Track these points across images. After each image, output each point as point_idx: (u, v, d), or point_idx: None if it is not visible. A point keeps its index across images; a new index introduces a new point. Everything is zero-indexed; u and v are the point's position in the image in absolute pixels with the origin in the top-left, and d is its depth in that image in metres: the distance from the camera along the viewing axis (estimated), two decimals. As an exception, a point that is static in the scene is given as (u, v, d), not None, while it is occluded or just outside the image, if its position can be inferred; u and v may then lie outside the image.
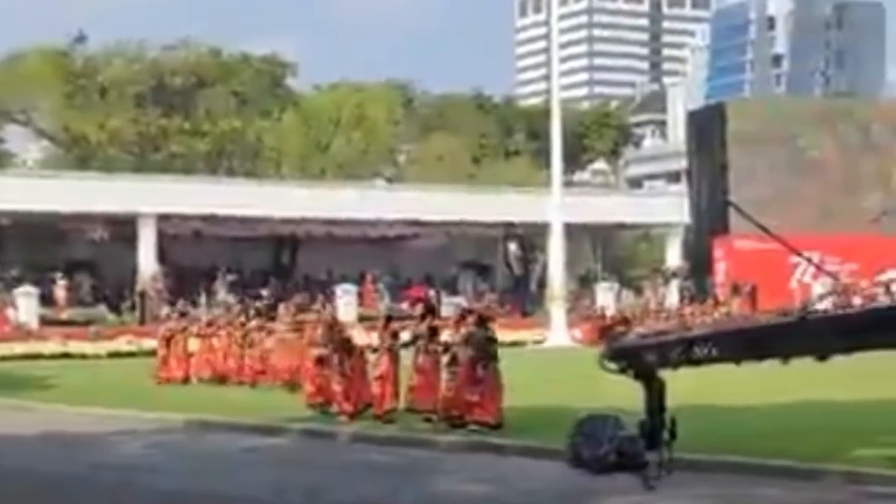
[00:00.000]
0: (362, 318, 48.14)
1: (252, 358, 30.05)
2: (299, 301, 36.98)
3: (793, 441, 17.65)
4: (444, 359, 20.93)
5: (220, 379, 30.76)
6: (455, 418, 20.09)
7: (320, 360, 23.01)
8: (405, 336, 22.28)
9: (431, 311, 22.90)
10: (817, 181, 61.90)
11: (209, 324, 32.88)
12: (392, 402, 21.62)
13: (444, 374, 20.66)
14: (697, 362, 11.10)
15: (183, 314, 33.92)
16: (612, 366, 11.99)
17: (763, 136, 62.62)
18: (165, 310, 39.44)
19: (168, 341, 32.71)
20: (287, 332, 29.49)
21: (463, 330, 20.64)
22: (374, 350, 22.34)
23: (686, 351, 11.23)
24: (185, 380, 31.51)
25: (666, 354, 11.53)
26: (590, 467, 12.01)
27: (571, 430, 12.18)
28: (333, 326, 23.87)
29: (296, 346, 28.50)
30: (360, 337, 25.55)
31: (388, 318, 22.98)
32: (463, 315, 21.56)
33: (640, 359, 11.85)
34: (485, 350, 20.07)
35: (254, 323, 31.09)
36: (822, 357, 9.64)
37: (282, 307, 31.80)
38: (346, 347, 22.73)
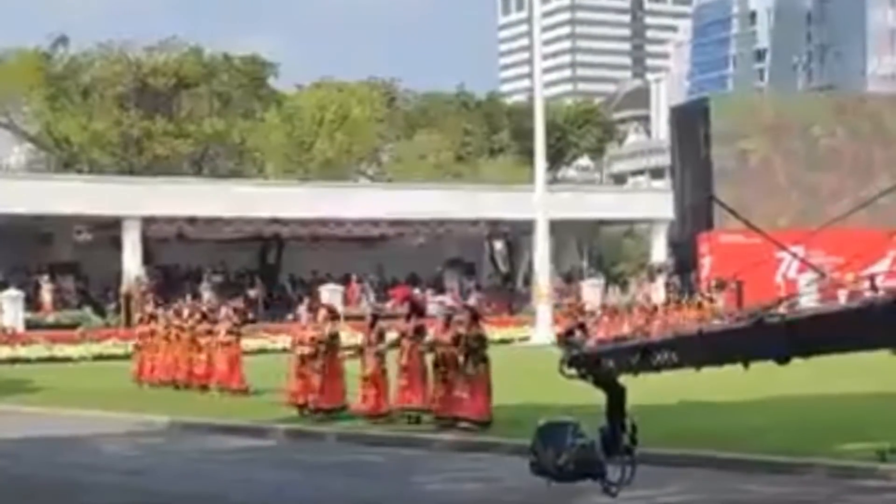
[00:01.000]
0: (347, 318, 48.11)
1: (199, 362, 29.49)
2: (239, 305, 36.52)
3: (773, 436, 17.72)
4: (430, 358, 20.91)
5: (173, 383, 30.23)
6: (445, 418, 20.11)
7: (304, 359, 22.65)
8: (391, 336, 22.17)
9: (417, 309, 22.79)
10: (802, 174, 62.03)
11: (165, 326, 32.08)
12: (381, 402, 21.49)
13: (432, 374, 20.65)
14: (657, 368, 11.04)
15: (152, 317, 33.48)
16: (572, 371, 11.98)
17: (745, 130, 62.73)
18: (138, 314, 38.99)
19: (140, 345, 32.44)
20: (226, 335, 28.89)
21: (452, 330, 20.56)
22: (360, 350, 22.14)
23: (645, 357, 11.18)
24: (157, 382, 30.93)
25: (625, 360, 11.49)
26: (550, 475, 11.99)
27: (532, 438, 12.18)
28: (333, 317, 23.42)
29: (233, 351, 28.43)
30: (347, 336, 25.54)
31: (375, 318, 22.80)
32: (450, 316, 21.47)
33: (599, 365, 11.83)
34: (476, 348, 20.08)
35: (201, 327, 30.26)
36: (781, 362, 9.62)
37: (224, 310, 31.16)
38: (331, 344, 22.51)
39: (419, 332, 21.44)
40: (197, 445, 20.84)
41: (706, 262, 62.10)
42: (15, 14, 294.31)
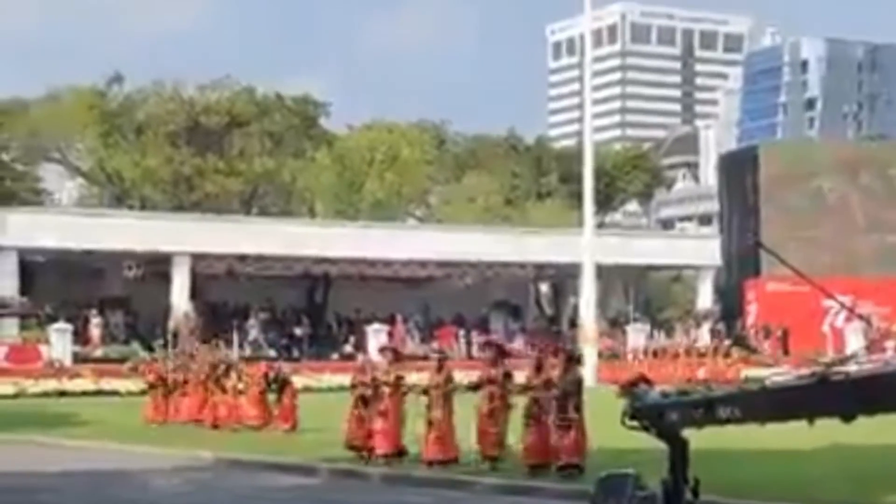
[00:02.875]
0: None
1: (224, 402, 29.56)
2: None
3: (831, 486, 17.57)
4: (520, 402, 20.14)
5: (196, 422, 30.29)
6: (536, 465, 19.40)
7: (363, 400, 21.96)
8: (458, 377, 21.57)
9: (504, 354, 21.80)
10: (844, 224, 61.86)
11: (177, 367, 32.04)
12: (447, 448, 20.66)
13: (523, 419, 19.79)
14: (721, 422, 11.13)
15: (191, 356, 33.56)
16: (634, 424, 12.02)
17: (796, 179, 62.63)
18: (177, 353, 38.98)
19: (163, 381, 32.29)
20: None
21: (544, 373, 19.95)
22: (425, 392, 21.28)
23: (709, 411, 11.25)
24: (165, 421, 30.85)
25: (688, 414, 11.54)
26: None
27: (593, 489, 12.22)
28: (399, 359, 22.84)
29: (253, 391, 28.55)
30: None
31: (442, 360, 22.01)
32: (541, 359, 20.80)
33: (662, 418, 11.87)
34: (575, 391, 19.47)
35: (222, 367, 30.31)
36: (847, 419, 9.67)
37: (249, 349, 31.25)
38: (396, 386, 21.61)
39: (508, 377, 20.58)
40: (243, 482, 20.91)
41: (752, 310, 61.95)
42: (70, 52, 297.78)
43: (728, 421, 11.08)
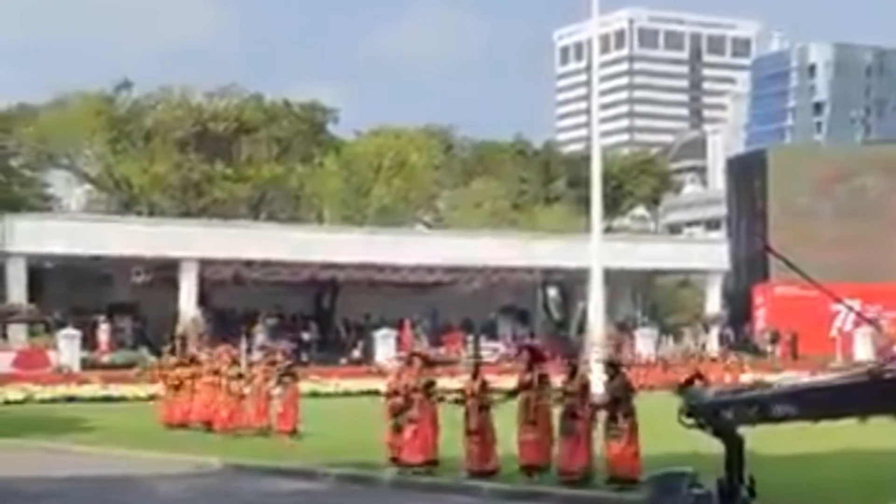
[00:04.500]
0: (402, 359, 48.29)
1: (227, 405, 29.51)
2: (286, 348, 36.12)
3: (833, 491, 17.51)
4: (557, 410, 19.61)
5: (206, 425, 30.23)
6: (577, 474, 18.83)
7: (397, 409, 21.15)
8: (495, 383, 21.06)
9: (539, 358, 20.86)
10: (858, 226, 61.79)
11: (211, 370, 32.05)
12: (487, 457, 20.02)
13: (560, 427, 19.26)
14: (775, 420, 11.18)
15: (192, 360, 33.46)
16: (690, 422, 12.05)
17: (804, 183, 62.62)
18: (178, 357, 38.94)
19: (178, 386, 32.30)
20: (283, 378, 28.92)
21: (579, 379, 19.50)
22: (460, 400, 20.75)
23: (763, 409, 11.30)
24: (186, 425, 30.96)
25: (743, 412, 11.59)
26: None
27: (647, 487, 12.22)
28: (428, 364, 22.15)
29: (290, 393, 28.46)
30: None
31: (477, 367, 21.40)
32: (575, 364, 20.14)
33: (717, 416, 11.90)
34: (624, 397, 18.80)
35: (234, 370, 30.29)
36: None
37: (258, 354, 31.16)
38: (428, 392, 21.00)
39: (545, 381, 20.05)
40: (248, 488, 20.89)
41: (761, 314, 61.93)
42: (78, 59, 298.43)
43: (783, 419, 11.14)
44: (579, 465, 18.87)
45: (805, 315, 56.32)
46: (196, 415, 30.43)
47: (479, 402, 20.24)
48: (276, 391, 28.17)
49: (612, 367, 19.49)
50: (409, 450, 20.72)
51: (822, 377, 10.69)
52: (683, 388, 12.28)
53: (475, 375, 20.80)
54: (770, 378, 32.68)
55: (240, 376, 29.48)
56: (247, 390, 28.99)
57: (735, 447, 12.00)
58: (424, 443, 20.68)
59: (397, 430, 21.00)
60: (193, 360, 32.93)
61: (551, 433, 19.65)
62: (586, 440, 19.00)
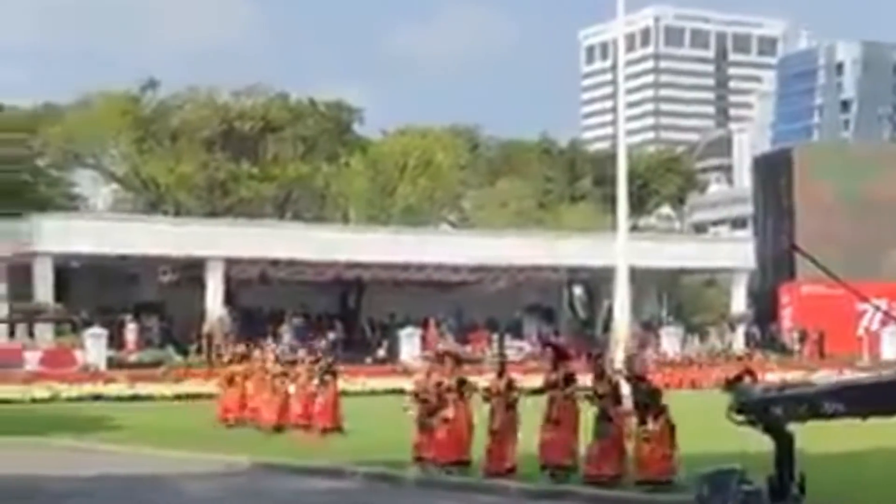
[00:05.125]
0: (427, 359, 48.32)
1: (273, 402, 29.75)
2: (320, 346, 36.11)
3: (864, 490, 17.35)
4: (581, 407, 19.38)
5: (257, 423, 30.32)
6: (602, 476, 18.61)
7: (428, 409, 20.91)
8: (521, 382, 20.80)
9: (563, 356, 20.69)
10: (885, 225, 61.52)
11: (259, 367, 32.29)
12: (507, 457, 19.83)
13: (594, 428, 18.98)
14: (825, 417, 11.19)
15: (245, 357, 33.68)
16: (740, 419, 12.05)
17: (831, 181, 62.36)
18: (226, 355, 39.28)
19: (229, 382, 32.64)
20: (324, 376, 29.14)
21: (608, 381, 19.16)
22: (487, 399, 20.33)
23: (812, 406, 11.32)
24: (242, 422, 31.12)
25: (793, 409, 11.60)
26: None
27: (697, 484, 12.21)
28: (460, 362, 22.01)
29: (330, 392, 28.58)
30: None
31: (503, 366, 21.12)
32: (602, 366, 19.75)
33: (767, 413, 11.90)
34: (652, 402, 18.48)
35: (278, 368, 30.53)
36: None
37: (301, 352, 31.42)
38: (460, 391, 20.67)
39: (569, 380, 19.78)
40: (277, 487, 20.91)
41: (787, 313, 61.72)
42: (104, 58, 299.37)
43: (832, 416, 11.14)
44: (611, 467, 18.67)
45: (832, 314, 56.12)
46: (249, 412, 30.69)
47: (505, 400, 20.06)
48: (319, 389, 28.40)
49: (633, 379, 19.08)
50: (441, 449, 20.54)
51: (870, 375, 10.68)
52: (732, 385, 12.26)
53: (501, 374, 20.64)
54: (793, 377, 32.58)
55: (284, 374, 29.72)
56: (291, 388, 29.20)
57: (785, 444, 11.98)
58: (458, 442, 20.52)
59: (426, 429, 20.84)
60: (245, 358, 33.14)
61: (577, 433, 19.52)
62: (619, 443, 18.77)
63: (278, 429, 28.67)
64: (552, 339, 40.88)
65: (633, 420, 18.70)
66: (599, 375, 19.45)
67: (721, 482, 12.16)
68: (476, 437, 20.66)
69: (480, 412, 20.79)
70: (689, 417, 19.81)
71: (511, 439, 19.92)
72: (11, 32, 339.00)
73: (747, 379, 12.43)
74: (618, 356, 51.10)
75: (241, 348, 34.33)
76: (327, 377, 28.55)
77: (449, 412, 20.57)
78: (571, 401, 19.59)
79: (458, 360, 22.17)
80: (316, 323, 57.99)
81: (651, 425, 18.26)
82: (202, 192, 74.01)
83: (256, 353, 32.95)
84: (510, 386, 20.30)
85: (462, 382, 20.81)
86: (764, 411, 11.84)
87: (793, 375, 42.14)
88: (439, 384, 20.94)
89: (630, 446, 18.66)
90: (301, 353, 32.35)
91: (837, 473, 18.44)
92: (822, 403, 11.17)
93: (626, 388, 19.14)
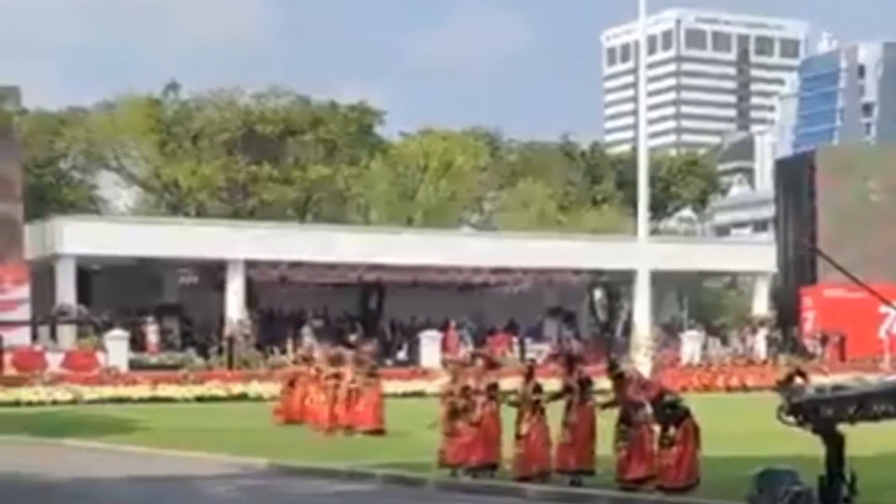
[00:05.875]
0: (445, 364, 48.34)
1: (323, 403, 30.07)
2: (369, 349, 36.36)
3: (887, 493, 17.28)
4: (612, 414, 19.27)
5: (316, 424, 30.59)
6: (630, 481, 18.55)
7: (454, 412, 20.87)
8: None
9: (577, 361, 20.90)
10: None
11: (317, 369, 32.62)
12: (535, 461, 19.80)
13: (615, 432, 18.94)
14: (875, 418, 11.18)
15: (307, 359, 34.00)
16: (790, 419, 12.05)
17: (853, 185, 62.14)
18: (290, 356, 39.72)
19: (291, 384, 32.96)
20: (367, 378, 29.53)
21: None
22: (515, 403, 20.27)
23: (862, 406, 11.30)
24: (299, 423, 31.25)
25: (843, 409, 11.60)
26: None
27: (749, 485, 12.23)
28: (492, 365, 21.99)
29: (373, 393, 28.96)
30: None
31: (531, 369, 21.00)
32: (619, 371, 19.59)
33: (817, 413, 11.89)
34: (673, 411, 18.34)
35: (330, 370, 30.88)
36: None
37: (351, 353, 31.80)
38: (490, 395, 20.69)
39: (586, 383, 19.87)
40: (294, 489, 20.93)
41: (809, 316, 61.52)
42: (126, 61, 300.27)
43: (882, 416, 11.13)
44: (634, 471, 18.59)
45: (853, 317, 55.93)
46: (308, 414, 31.09)
47: (533, 405, 19.98)
48: (363, 391, 28.98)
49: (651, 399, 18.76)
50: (468, 452, 20.47)
51: None
52: (783, 386, 12.26)
53: (528, 378, 20.51)
54: (823, 381, 32.47)
55: (336, 376, 29.98)
56: (340, 391, 29.59)
57: (835, 445, 11.97)
58: (486, 445, 20.46)
59: (453, 433, 20.76)
60: (307, 359, 33.43)
61: (594, 437, 19.51)
62: (643, 447, 18.67)
63: (331, 430, 29.01)
64: (562, 349, 40.74)
65: (655, 427, 18.66)
66: (618, 378, 19.33)
67: (773, 482, 12.17)
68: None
69: (508, 415, 20.73)
70: (714, 421, 19.84)
71: (542, 443, 19.82)
72: (37, 33, 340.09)
73: (798, 380, 12.41)
74: (638, 359, 51.25)
75: (304, 350, 34.76)
76: (371, 379, 29.02)
77: (476, 415, 20.51)
78: (587, 406, 19.60)
79: (491, 363, 22.08)
80: (337, 325, 58.03)
81: (672, 431, 18.18)
82: (223, 195, 74.14)
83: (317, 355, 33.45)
84: (538, 390, 20.22)
85: (493, 387, 20.74)
86: (814, 412, 11.85)
87: (814, 379, 42.01)
88: (466, 388, 20.86)
89: (653, 450, 18.60)
90: (318, 353, 32.91)
91: (888, 474, 18.22)
92: (871, 404, 11.16)
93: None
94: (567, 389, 19.80)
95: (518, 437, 19.90)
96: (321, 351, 35.39)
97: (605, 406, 19.54)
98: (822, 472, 12.10)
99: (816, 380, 12.44)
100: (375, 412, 28.61)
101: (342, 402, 29.19)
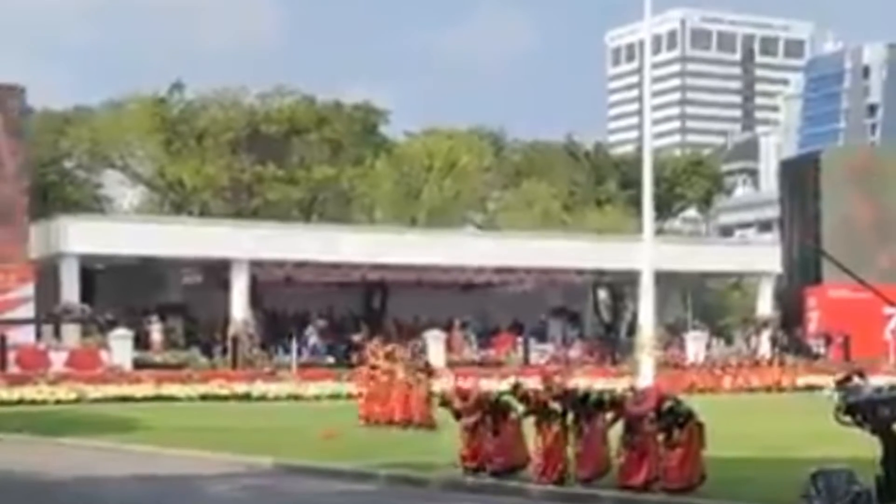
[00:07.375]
0: (450, 364, 48.39)
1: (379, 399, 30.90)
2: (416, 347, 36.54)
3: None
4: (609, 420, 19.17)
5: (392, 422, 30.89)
6: (634, 486, 18.39)
7: (474, 427, 20.74)
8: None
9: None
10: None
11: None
12: (556, 464, 19.48)
13: (622, 437, 18.85)
14: None
15: (389, 355, 34.05)
16: (848, 419, 12.03)
17: (858, 186, 62.10)
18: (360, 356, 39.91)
19: (371, 380, 32.98)
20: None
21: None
22: (528, 413, 20.17)
23: None
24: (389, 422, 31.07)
25: None
26: None
27: (805, 486, 12.19)
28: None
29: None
30: (449, 383, 25.21)
31: (550, 374, 21.09)
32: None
33: (875, 413, 11.89)
34: (675, 415, 18.26)
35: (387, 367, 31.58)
36: None
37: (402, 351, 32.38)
38: (503, 412, 20.50)
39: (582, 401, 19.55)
40: (298, 489, 20.90)
41: (814, 317, 61.51)
42: (131, 61, 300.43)
43: None
44: (638, 476, 18.46)
45: (858, 318, 55.90)
46: (384, 412, 31.37)
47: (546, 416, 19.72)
48: (415, 387, 29.90)
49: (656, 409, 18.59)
50: (492, 454, 20.37)
51: None
52: (841, 385, 12.24)
53: (545, 381, 20.31)
54: (824, 381, 32.45)
55: (391, 373, 30.64)
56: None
57: (892, 445, 11.96)
58: (510, 448, 20.33)
59: (472, 433, 20.74)
60: (390, 356, 33.44)
61: (605, 442, 19.29)
62: (647, 451, 18.50)
63: (405, 425, 29.75)
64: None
65: (659, 435, 18.51)
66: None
67: (829, 482, 12.14)
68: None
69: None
70: (718, 422, 19.81)
71: (558, 446, 19.53)
72: (46, 33, 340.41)
73: (857, 379, 12.38)
74: (643, 359, 51.19)
75: (388, 347, 34.75)
76: (421, 375, 29.48)
77: (490, 428, 20.45)
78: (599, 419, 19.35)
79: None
80: (341, 325, 58.07)
81: (676, 434, 18.14)
82: (228, 194, 74.18)
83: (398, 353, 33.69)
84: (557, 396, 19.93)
85: (516, 387, 20.50)
86: (872, 412, 11.85)
87: (817, 380, 42.13)
88: (479, 399, 20.90)
89: (657, 452, 18.48)
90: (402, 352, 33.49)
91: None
92: None
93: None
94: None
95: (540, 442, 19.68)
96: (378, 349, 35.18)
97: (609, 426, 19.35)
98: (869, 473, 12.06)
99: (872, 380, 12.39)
100: (425, 407, 29.32)
101: (398, 398, 30.26)
